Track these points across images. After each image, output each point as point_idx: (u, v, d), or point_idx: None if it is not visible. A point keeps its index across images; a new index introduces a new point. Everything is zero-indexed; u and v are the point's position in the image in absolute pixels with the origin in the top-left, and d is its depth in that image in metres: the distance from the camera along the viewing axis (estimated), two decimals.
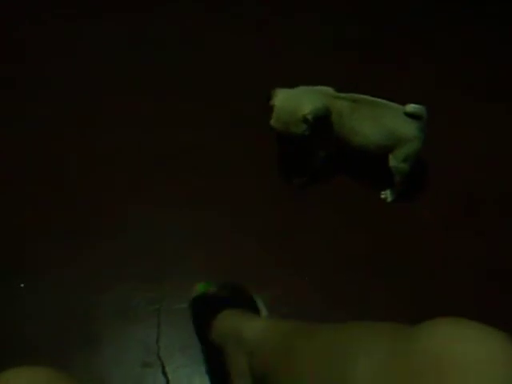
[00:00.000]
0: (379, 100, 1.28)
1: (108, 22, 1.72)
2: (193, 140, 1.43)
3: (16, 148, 1.41)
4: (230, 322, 0.95)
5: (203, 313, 0.99)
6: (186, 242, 1.26)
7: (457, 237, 1.30)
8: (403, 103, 1.25)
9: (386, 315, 1.10)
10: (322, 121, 1.24)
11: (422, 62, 1.64)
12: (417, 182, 1.35)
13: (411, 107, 1.24)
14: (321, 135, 1.27)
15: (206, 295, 1.01)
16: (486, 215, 1.33)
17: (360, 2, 1.81)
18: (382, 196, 1.35)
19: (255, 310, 0.97)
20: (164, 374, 1.09)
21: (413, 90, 1.53)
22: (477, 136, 1.47)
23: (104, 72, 1.58)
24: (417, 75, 1.60)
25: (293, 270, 1.22)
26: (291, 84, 1.29)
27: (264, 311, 0.97)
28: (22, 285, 1.18)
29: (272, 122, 1.25)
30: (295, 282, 1.20)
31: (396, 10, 1.77)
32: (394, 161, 1.27)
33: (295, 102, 1.24)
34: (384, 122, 1.26)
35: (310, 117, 1.21)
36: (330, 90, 1.30)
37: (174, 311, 1.15)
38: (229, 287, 1.01)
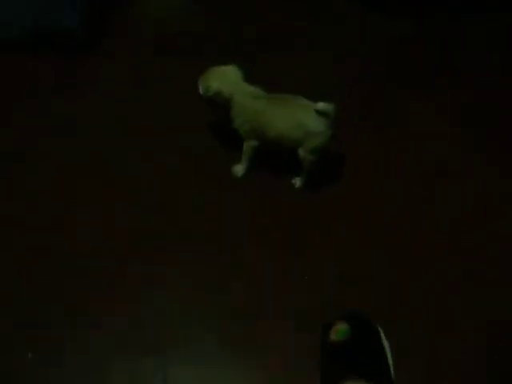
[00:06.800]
0: (292, 96, 1.36)
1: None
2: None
3: None
4: None
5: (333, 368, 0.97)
6: (187, 308, 1.24)
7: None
8: None
9: None
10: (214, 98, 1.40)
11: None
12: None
13: (321, 105, 1.32)
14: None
15: (343, 343, 0.97)
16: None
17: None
18: (292, 182, 1.45)
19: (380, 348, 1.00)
20: None
21: None
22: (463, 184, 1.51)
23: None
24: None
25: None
26: None
27: (386, 344, 1.01)
28: (30, 355, 1.11)
29: None
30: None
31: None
32: (302, 152, 1.38)
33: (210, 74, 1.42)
34: (296, 117, 1.35)
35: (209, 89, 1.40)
36: (252, 89, 1.40)
37: (181, 377, 1.14)
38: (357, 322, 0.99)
